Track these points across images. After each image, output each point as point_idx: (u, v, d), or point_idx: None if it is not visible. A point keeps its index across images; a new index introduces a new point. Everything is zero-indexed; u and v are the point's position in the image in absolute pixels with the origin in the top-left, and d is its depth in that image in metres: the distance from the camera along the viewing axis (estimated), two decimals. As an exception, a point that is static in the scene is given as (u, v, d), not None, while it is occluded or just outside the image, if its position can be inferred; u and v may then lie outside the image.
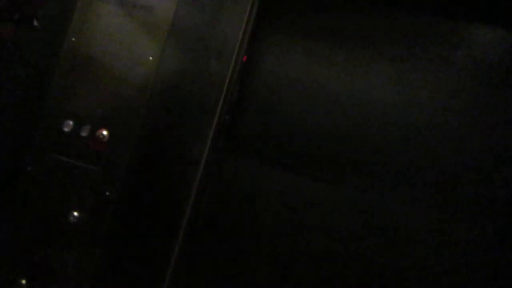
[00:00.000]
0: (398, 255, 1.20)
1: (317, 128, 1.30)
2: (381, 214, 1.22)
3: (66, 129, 1.27)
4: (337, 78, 1.31)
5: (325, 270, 1.24)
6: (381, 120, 1.26)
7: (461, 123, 1.21)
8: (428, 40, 1.26)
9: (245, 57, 1.30)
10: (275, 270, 1.26)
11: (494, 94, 1.21)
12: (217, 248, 1.32)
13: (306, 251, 1.25)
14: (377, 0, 1.31)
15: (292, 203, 1.28)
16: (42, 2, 1.04)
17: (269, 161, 1.33)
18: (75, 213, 1.23)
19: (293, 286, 1.25)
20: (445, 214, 1.18)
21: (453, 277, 1.16)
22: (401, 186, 1.23)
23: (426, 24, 1.27)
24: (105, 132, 1.25)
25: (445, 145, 1.21)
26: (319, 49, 1.34)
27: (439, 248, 1.18)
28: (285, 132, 1.32)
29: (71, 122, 1.27)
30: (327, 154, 1.29)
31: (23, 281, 1.24)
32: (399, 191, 1.23)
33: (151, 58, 1.25)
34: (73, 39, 1.31)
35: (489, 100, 1.21)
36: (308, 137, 1.31)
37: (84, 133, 1.26)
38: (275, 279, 1.27)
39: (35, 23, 1.02)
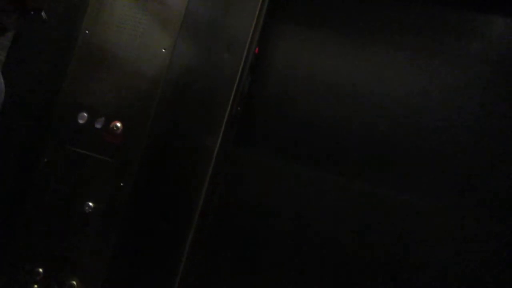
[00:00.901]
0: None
1: (329, 120, 1.30)
2: (398, 210, 1.22)
3: (81, 121, 1.29)
4: (351, 69, 1.30)
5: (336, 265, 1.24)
6: (395, 113, 1.25)
7: (478, 117, 1.19)
8: (444, 32, 1.24)
9: (257, 49, 1.30)
10: (286, 270, 1.27)
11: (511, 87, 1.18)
12: (228, 240, 1.33)
13: (321, 246, 1.26)
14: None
15: (303, 195, 1.29)
16: None
17: (280, 153, 1.33)
18: (91, 204, 1.25)
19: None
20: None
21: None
22: (418, 179, 1.22)
23: (443, 15, 1.25)
24: (119, 124, 1.26)
25: (462, 140, 1.19)
26: (333, 40, 1.34)
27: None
28: (297, 124, 1.32)
29: (85, 114, 1.29)
30: (339, 146, 1.29)
31: (40, 270, 1.27)
32: (416, 184, 1.22)
33: (164, 50, 1.26)
34: (87, 31, 1.32)
35: (506, 94, 1.19)
36: (319, 129, 1.30)
37: (98, 125, 1.28)
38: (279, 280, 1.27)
39: (43, 14, 1.02)
